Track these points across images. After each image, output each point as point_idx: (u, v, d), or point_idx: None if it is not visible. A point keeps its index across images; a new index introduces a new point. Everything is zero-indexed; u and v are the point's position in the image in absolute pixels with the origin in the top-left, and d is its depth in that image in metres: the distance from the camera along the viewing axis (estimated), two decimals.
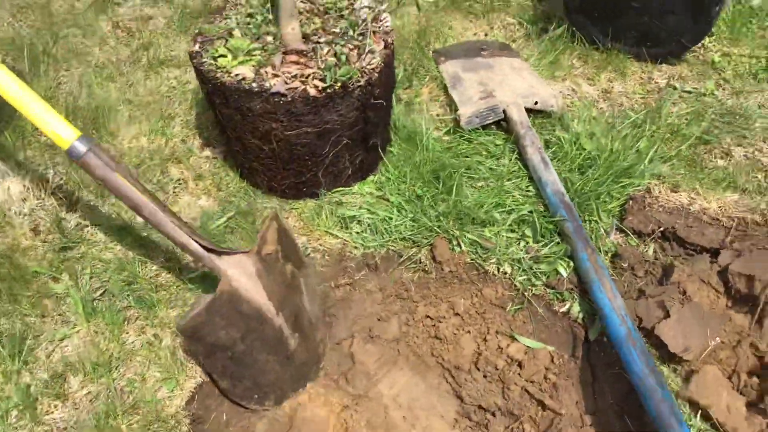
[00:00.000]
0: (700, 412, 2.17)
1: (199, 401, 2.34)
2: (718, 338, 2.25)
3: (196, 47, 2.63)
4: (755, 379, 2.23)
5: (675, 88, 3.36)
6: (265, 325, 2.28)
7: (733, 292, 2.36)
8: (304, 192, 2.87)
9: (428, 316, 2.76)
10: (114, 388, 2.27)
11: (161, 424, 2.20)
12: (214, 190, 2.93)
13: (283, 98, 2.45)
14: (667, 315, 2.33)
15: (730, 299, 2.38)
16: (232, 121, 2.62)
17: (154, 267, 2.62)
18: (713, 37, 3.71)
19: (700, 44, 3.57)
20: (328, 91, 2.47)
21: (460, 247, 2.68)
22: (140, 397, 2.25)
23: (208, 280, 2.58)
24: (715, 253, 2.49)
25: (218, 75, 2.49)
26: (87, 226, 2.77)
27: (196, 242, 2.16)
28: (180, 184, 2.95)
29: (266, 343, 2.32)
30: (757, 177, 2.78)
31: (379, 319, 2.77)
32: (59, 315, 2.49)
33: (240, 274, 2.19)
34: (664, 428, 2.07)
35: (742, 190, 2.68)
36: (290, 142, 2.60)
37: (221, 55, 2.55)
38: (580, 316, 2.55)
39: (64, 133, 1.99)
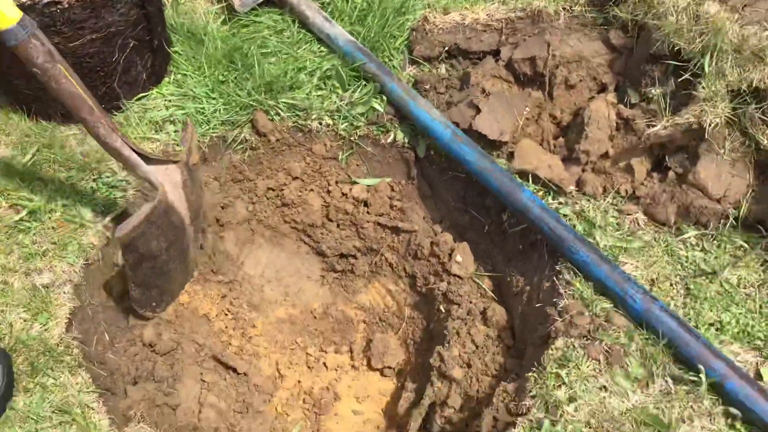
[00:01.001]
0: (530, 177, 2.51)
1: (76, 326, 2.24)
2: (527, 108, 2.59)
3: None
4: (561, 140, 2.62)
5: None
6: (183, 236, 2.29)
7: (522, 77, 2.72)
8: (104, 108, 2.74)
9: (270, 188, 2.84)
10: None
11: (50, 353, 2.09)
12: (3, 137, 2.70)
13: (58, 6, 2.34)
14: (478, 111, 2.62)
15: (521, 85, 2.74)
16: (6, 51, 2.42)
17: None
18: None
19: None
20: None
21: (279, 115, 2.77)
22: (16, 340, 2.11)
23: (37, 215, 2.42)
24: (496, 53, 2.83)
25: None
26: None
27: (131, 148, 2.08)
28: None
29: (181, 253, 2.33)
30: None
31: (223, 207, 2.80)
32: None
33: (169, 184, 2.16)
34: (509, 193, 2.38)
35: (499, 1, 3.03)
36: (77, 54, 2.48)
37: None
38: (406, 140, 2.78)
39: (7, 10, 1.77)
